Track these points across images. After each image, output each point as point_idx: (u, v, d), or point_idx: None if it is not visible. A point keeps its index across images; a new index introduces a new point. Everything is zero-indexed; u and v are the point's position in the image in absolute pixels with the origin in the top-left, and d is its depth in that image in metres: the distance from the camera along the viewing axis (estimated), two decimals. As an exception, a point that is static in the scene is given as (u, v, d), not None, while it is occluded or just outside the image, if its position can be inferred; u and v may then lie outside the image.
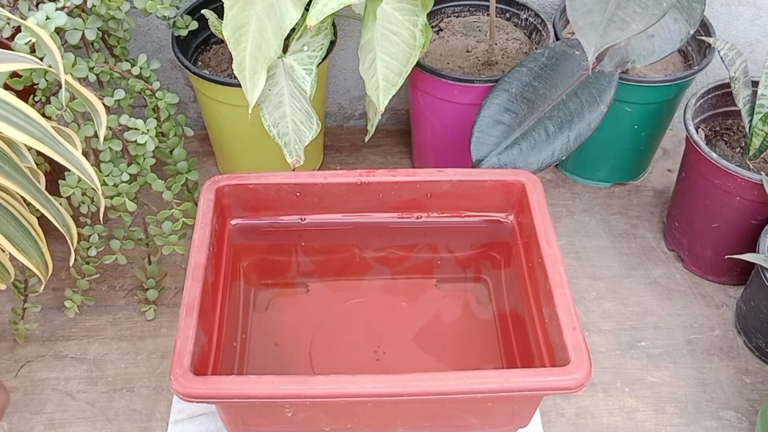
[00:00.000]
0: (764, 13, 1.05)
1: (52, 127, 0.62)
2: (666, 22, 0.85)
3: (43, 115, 0.75)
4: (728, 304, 0.92)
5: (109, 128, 0.78)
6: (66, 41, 0.76)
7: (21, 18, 0.74)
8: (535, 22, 1.00)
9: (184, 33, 0.88)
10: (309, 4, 0.75)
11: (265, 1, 0.76)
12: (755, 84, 0.88)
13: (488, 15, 0.99)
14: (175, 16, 0.86)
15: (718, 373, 0.85)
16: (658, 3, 0.74)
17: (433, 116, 0.97)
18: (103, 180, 0.79)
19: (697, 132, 0.88)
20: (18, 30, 0.73)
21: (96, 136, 0.75)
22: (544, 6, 1.04)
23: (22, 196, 0.65)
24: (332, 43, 0.90)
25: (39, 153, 0.75)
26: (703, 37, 0.92)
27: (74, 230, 0.70)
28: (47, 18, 0.70)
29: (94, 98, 0.68)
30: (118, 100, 0.80)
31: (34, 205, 0.64)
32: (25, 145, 0.65)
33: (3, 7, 0.76)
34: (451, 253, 0.85)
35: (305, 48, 0.84)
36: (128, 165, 0.80)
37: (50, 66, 0.64)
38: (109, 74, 0.81)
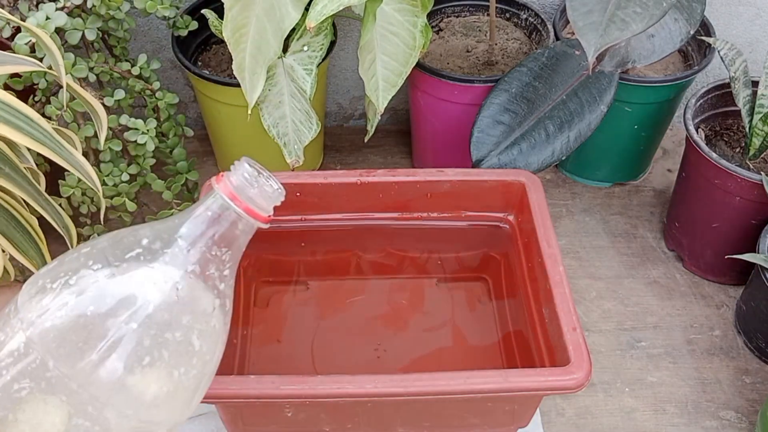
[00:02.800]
0: (764, 13, 1.05)
1: (52, 127, 0.62)
2: (666, 22, 0.85)
3: (43, 115, 0.75)
4: (728, 304, 0.92)
5: (109, 128, 0.78)
6: (66, 41, 0.76)
7: (21, 18, 0.74)
8: (535, 22, 1.00)
9: (184, 33, 0.88)
10: (309, 4, 0.75)
11: (265, 2, 0.76)
12: (755, 84, 0.87)
13: (488, 15, 0.99)
14: (175, 17, 0.86)
15: (718, 373, 0.85)
16: (659, 3, 0.74)
17: (433, 116, 0.97)
18: (103, 180, 0.79)
19: (697, 132, 0.88)
20: (18, 30, 0.73)
21: (96, 136, 0.75)
22: (544, 6, 1.04)
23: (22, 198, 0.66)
24: (332, 44, 0.90)
25: (39, 154, 0.75)
26: (703, 37, 0.92)
27: (74, 232, 0.70)
28: (47, 18, 0.70)
29: (94, 100, 0.68)
30: (118, 100, 0.80)
31: (34, 207, 0.64)
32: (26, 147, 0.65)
33: (3, 7, 0.76)
34: (451, 252, 0.86)
35: (305, 48, 0.84)
36: (128, 165, 0.80)
37: (50, 68, 0.64)
38: (109, 74, 0.81)
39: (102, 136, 0.68)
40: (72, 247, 0.71)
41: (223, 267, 0.38)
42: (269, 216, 0.39)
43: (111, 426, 0.35)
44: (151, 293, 0.35)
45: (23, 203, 0.68)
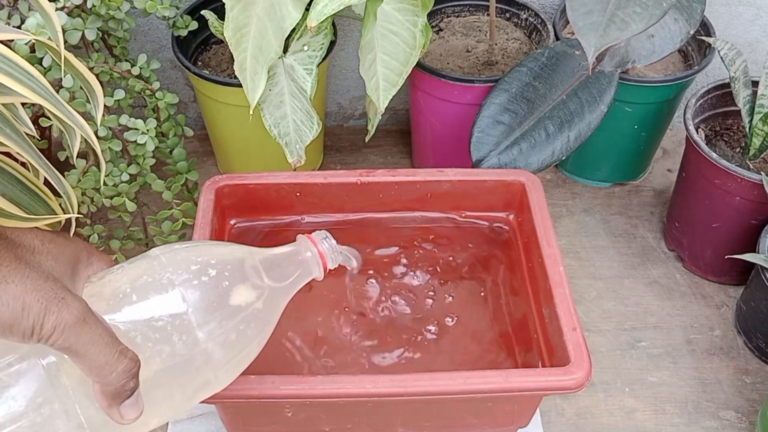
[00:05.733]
0: (764, 13, 1.05)
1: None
2: (666, 22, 0.85)
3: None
4: (728, 304, 0.92)
5: (109, 128, 0.78)
6: (66, 41, 0.76)
7: (21, 19, 0.74)
8: (535, 22, 1.00)
9: (183, 33, 0.88)
10: (309, 4, 0.75)
11: (265, 2, 0.76)
12: (755, 84, 0.88)
13: (488, 15, 0.99)
14: (175, 17, 0.85)
15: (718, 373, 0.85)
16: (658, 3, 0.74)
17: (433, 116, 0.97)
18: (103, 180, 0.79)
19: (697, 132, 0.88)
20: (18, 28, 0.73)
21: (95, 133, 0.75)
22: (544, 6, 1.04)
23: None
24: (332, 43, 0.90)
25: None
26: (703, 37, 0.92)
27: (74, 199, 0.68)
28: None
29: (91, 76, 0.67)
30: (118, 100, 0.80)
31: (37, 169, 0.62)
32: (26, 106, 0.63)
33: (2, 7, 0.76)
34: (450, 252, 0.85)
35: (305, 48, 0.84)
36: (128, 165, 0.80)
37: (49, 38, 0.63)
38: (109, 74, 0.81)
39: (99, 115, 0.67)
40: (74, 210, 0.69)
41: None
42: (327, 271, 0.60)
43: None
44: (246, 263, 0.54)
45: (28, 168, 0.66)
